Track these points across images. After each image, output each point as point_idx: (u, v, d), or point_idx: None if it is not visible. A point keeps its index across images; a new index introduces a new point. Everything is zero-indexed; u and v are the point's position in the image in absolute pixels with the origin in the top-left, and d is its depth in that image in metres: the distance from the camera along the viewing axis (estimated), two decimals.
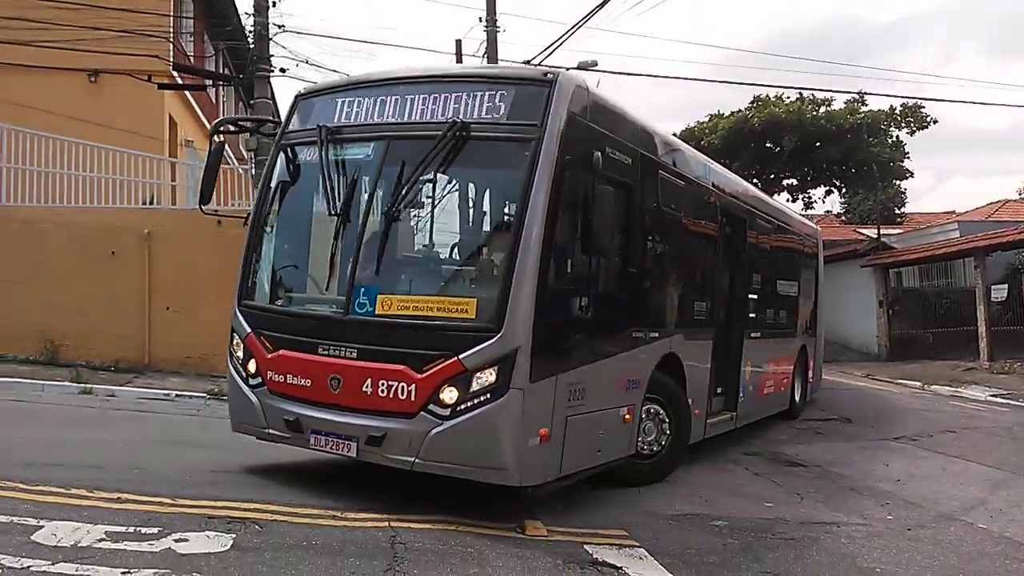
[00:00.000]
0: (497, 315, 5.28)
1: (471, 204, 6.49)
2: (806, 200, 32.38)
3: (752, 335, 9.94)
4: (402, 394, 5.37)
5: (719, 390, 9.07)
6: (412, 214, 6.12)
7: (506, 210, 5.96)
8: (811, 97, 28.91)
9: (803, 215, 23.28)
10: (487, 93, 5.72)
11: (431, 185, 5.98)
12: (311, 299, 6.22)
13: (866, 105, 29.07)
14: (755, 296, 10.25)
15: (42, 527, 4.43)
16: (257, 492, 5.63)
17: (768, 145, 29.31)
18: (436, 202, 6.08)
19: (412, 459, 5.38)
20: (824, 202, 35.15)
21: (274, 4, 14.38)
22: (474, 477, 5.48)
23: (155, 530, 4.57)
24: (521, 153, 5.55)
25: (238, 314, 6.27)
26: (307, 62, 9.57)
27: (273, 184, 6.49)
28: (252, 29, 14.35)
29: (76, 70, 15.07)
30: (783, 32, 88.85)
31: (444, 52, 29.33)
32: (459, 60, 19.05)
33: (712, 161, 9.68)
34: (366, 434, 5.49)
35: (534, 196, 5.42)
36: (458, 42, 19.79)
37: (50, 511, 4.72)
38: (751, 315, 10.05)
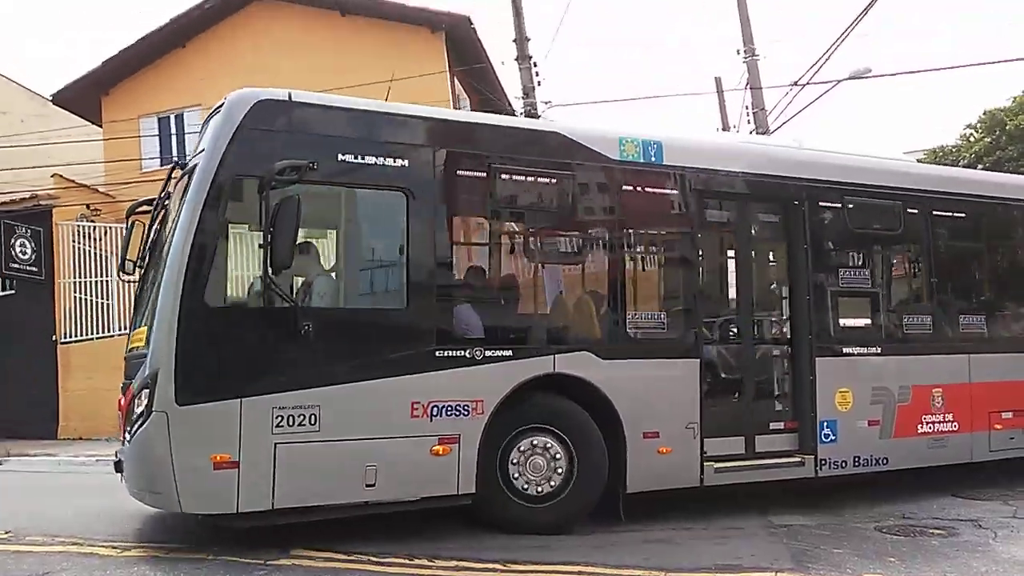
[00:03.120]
0: (147, 340, 5.48)
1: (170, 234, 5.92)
2: None
3: (847, 351, 7.48)
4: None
5: (776, 425, 7.34)
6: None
7: (175, 233, 5.62)
8: None
9: None
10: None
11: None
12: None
13: None
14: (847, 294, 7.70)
15: None
16: (584, 554, 5.59)
17: None
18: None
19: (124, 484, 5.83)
20: None
21: (539, 84, 15.17)
22: (151, 503, 5.55)
23: None
24: (189, 178, 5.69)
25: None
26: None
27: None
28: (523, 111, 15.22)
29: None
30: None
31: (706, 92, 29.02)
32: (720, 98, 18.71)
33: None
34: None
35: (183, 214, 5.48)
36: (718, 80, 19.50)
37: None
38: (835, 323, 7.60)
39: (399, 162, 6.03)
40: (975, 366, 8.01)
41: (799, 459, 7.19)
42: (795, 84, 15.61)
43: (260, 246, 5.41)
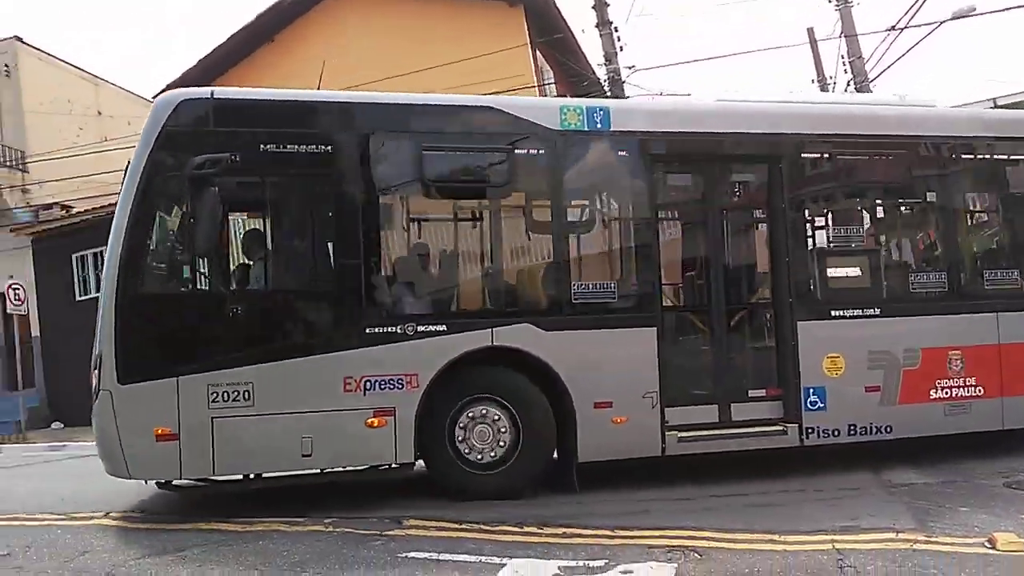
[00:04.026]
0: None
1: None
2: None
3: (835, 313, 7.05)
4: None
5: (757, 392, 7.05)
6: None
7: (112, 228, 6.11)
8: None
9: None
10: None
11: None
12: None
13: None
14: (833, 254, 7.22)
15: (505, 565, 4.66)
16: (689, 519, 5.59)
17: None
18: None
19: None
20: None
21: (621, 49, 14.96)
22: (108, 471, 6.05)
23: (601, 563, 4.65)
24: (125, 176, 6.10)
25: None
26: (661, 94, 9.74)
27: None
28: (607, 77, 15.05)
29: None
30: None
31: (797, 44, 27.93)
32: (814, 49, 17.95)
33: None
34: None
35: (117, 210, 6.04)
36: (810, 30, 18.67)
37: (510, 549, 5.01)
38: (822, 285, 7.14)
39: (324, 148, 6.30)
40: (1006, 325, 7.33)
41: (782, 427, 6.92)
42: (892, 29, 14.82)
43: (187, 236, 5.94)
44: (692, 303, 7.37)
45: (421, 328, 6.24)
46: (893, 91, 14.86)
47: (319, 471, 6.30)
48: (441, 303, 6.74)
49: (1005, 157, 7.87)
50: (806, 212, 7.31)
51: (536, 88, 17.00)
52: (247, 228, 6.77)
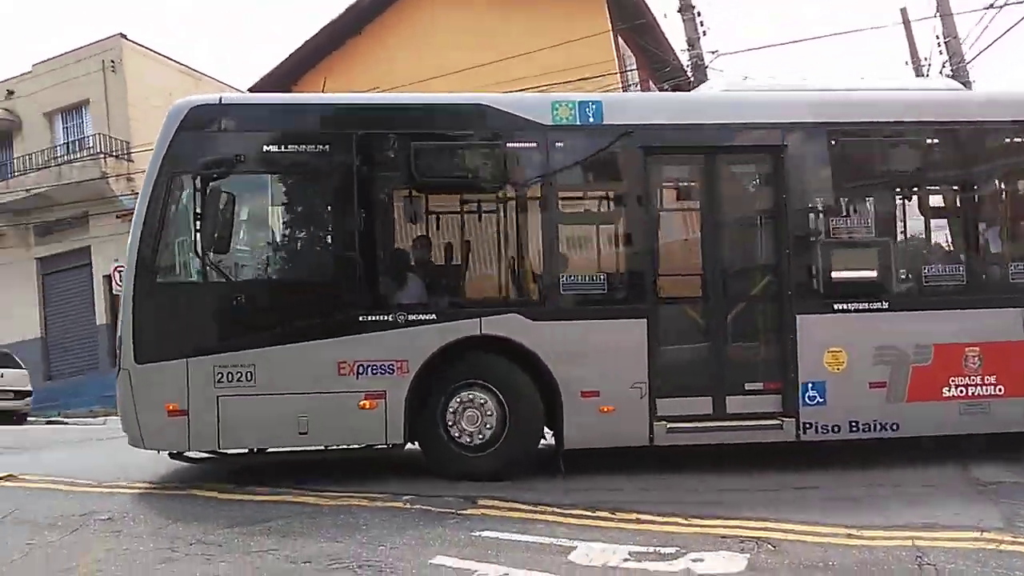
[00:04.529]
0: None
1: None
2: None
3: (838, 306, 6.86)
4: None
5: (754, 386, 6.92)
6: None
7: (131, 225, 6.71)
8: None
9: None
10: None
11: None
12: None
13: None
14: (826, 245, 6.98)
15: (576, 548, 4.72)
16: (765, 510, 5.55)
17: None
18: None
19: None
20: None
21: (704, 34, 14.72)
22: (129, 443, 6.57)
23: (673, 550, 4.66)
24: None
25: None
26: (745, 78, 9.54)
27: None
28: (689, 62, 14.83)
29: None
30: None
31: (889, 25, 26.85)
32: (907, 28, 17.24)
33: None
34: None
35: (136, 208, 6.63)
36: (903, 10, 17.96)
37: (581, 533, 5.07)
38: (825, 277, 6.95)
39: (321, 147, 6.73)
40: None
41: (777, 421, 6.80)
42: (991, 7, 14.11)
43: (196, 231, 6.41)
44: (688, 295, 7.26)
45: (412, 317, 6.58)
46: (946, 74, 14.20)
47: (323, 447, 6.80)
48: (431, 293, 6.97)
49: None
50: (808, 202, 7.14)
51: (618, 75, 16.89)
52: (251, 224, 7.09)
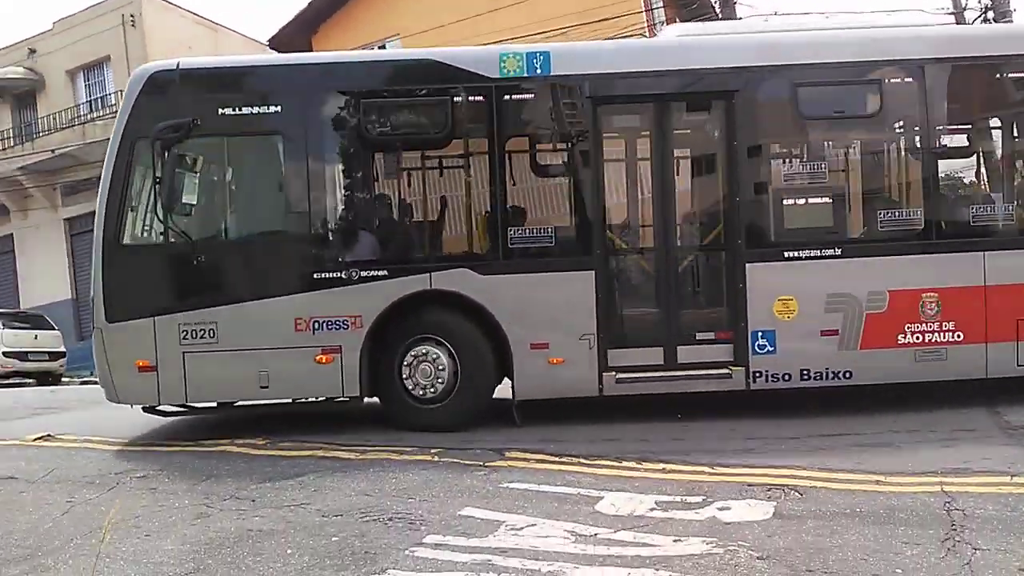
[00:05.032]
0: None
1: None
2: None
3: (788, 254, 6.75)
4: None
5: (706, 335, 6.95)
6: None
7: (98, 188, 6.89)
8: None
9: None
10: None
11: None
12: None
13: None
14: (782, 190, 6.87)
15: (602, 498, 4.77)
16: (792, 458, 5.55)
17: None
18: None
19: None
20: None
21: None
22: (106, 397, 6.86)
23: (699, 499, 4.68)
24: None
25: None
26: (775, 13, 9.23)
27: None
28: (721, 15, 14.43)
29: None
30: None
31: None
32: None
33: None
34: None
35: (102, 172, 6.76)
36: None
37: (608, 483, 5.12)
38: (775, 225, 6.90)
39: (273, 108, 6.87)
40: (993, 265, 6.71)
41: (727, 371, 6.82)
42: None
43: (157, 194, 6.61)
44: (639, 247, 7.35)
45: (364, 273, 6.74)
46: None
47: (291, 400, 7.16)
48: (383, 250, 7.05)
49: (997, 76, 7.13)
50: (759, 149, 6.98)
51: (644, 13, 16.49)
52: (209, 185, 7.18)
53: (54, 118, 23.62)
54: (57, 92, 24.39)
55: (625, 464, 5.57)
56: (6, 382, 16.81)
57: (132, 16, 22.75)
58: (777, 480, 5.01)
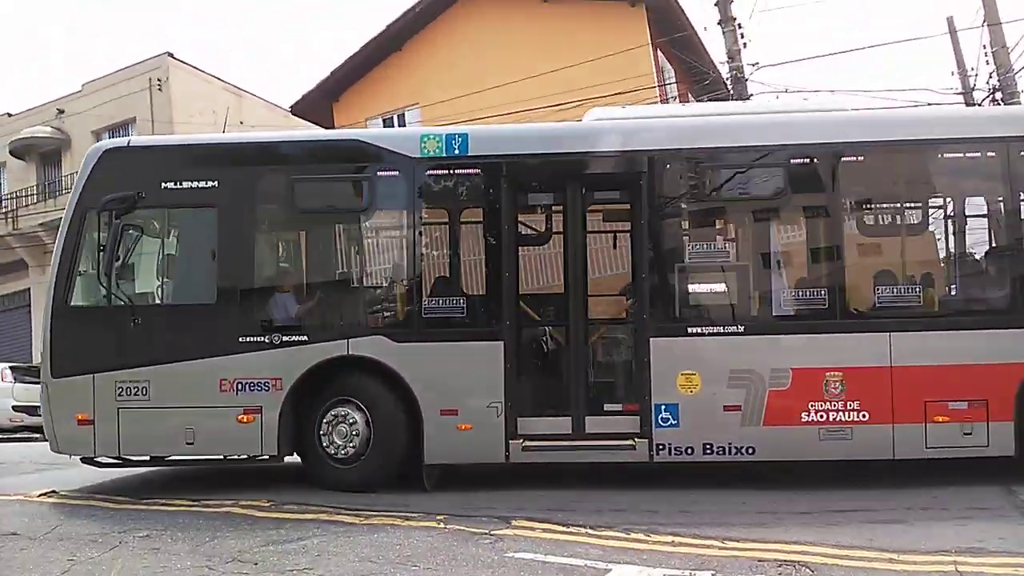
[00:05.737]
0: None
1: None
2: None
3: (692, 330, 6.92)
4: None
5: (614, 407, 7.17)
6: None
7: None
8: None
9: None
10: None
11: None
12: None
13: None
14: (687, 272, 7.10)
15: (610, 571, 4.67)
16: (803, 533, 5.45)
17: None
18: None
19: None
20: None
21: (744, 46, 14.60)
22: (51, 448, 7.21)
23: (708, 573, 4.58)
24: None
25: None
26: (786, 91, 9.41)
27: None
28: (729, 75, 14.71)
29: None
30: None
31: (934, 36, 26.33)
32: (954, 38, 16.83)
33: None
34: None
35: (59, 236, 7.33)
36: (950, 19, 17.56)
37: (616, 555, 5.01)
38: (681, 302, 7.12)
39: (210, 183, 7.29)
40: (900, 346, 6.69)
41: (631, 443, 6.88)
42: None
43: (101, 261, 7.07)
44: (549, 319, 7.56)
45: (285, 338, 7.09)
46: (993, 85, 13.86)
47: (222, 457, 7.52)
48: (305, 316, 7.37)
49: (901, 159, 7.21)
50: (666, 227, 7.26)
51: (657, 88, 16.82)
52: (148, 254, 7.64)
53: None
54: (82, 151, 24.44)
55: (633, 535, 5.47)
56: (14, 436, 16.75)
57: (159, 80, 23.42)
58: (788, 556, 4.91)
